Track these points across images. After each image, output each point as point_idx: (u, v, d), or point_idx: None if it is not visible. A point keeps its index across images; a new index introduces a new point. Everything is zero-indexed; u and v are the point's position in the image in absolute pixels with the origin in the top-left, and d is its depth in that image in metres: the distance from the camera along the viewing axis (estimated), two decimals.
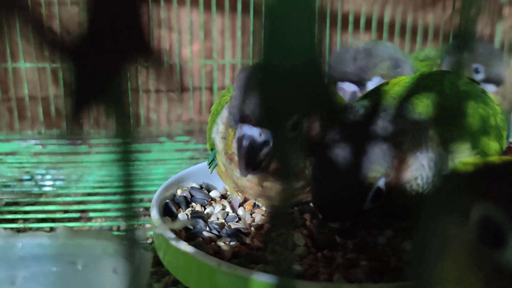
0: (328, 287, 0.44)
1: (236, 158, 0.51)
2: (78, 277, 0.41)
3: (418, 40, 1.40)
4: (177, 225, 0.47)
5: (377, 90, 0.58)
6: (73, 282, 0.41)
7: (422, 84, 0.55)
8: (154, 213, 0.54)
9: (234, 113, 0.50)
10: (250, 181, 0.55)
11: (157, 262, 0.70)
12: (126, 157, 0.16)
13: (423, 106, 0.51)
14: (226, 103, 0.59)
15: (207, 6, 1.28)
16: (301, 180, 0.54)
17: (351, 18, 1.35)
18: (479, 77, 1.06)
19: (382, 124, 0.48)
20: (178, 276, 0.51)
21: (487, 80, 1.05)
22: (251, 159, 0.49)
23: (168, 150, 1.19)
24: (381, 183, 0.46)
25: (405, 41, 1.40)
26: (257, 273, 0.42)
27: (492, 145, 0.53)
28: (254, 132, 0.48)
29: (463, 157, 0.51)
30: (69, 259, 0.41)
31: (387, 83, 0.58)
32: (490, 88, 1.05)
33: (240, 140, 0.49)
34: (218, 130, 0.59)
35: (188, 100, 1.37)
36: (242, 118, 0.49)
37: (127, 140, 0.16)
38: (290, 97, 0.48)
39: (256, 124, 0.48)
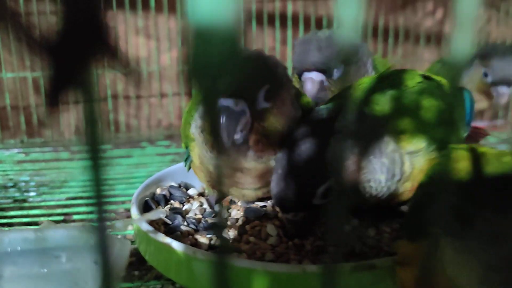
0: (287, 267, 0.46)
1: None
2: (62, 270, 0.43)
3: (390, 42, 1.46)
4: (153, 216, 0.50)
5: (342, 93, 0.62)
6: (58, 274, 0.43)
7: (381, 84, 0.58)
8: (134, 210, 0.57)
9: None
10: (231, 165, 0.57)
11: (140, 258, 0.73)
12: (95, 163, 0.18)
13: (381, 106, 0.55)
14: (197, 106, 0.63)
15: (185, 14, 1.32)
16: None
17: (324, 22, 1.39)
18: (488, 80, 1.10)
19: (340, 127, 0.51)
20: (159, 268, 0.54)
21: (497, 82, 1.08)
22: (230, 126, 0.52)
23: (149, 154, 1.21)
24: (332, 182, 0.50)
25: (377, 43, 1.45)
26: (231, 258, 0.46)
27: (449, 136, 0.57)
28: (229, 103, 0.52)
29: (421, 151, 0.54)
30: (54, 253, 0.44)
31: (351, 86, 0.62)
32: (502, 90, 1.08)
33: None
34: (197, 125, 0.62)
35: (168, 105, 1.40)
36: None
37: (97, 145, 0.18)
38: (258, 72, 0.52)
39: (230, 96, 0.51)
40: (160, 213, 0.50)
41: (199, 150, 0.62)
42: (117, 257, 0.38)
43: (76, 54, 0.15)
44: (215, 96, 0.17)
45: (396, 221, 0.58)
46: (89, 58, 0.14)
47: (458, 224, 0.32)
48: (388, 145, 0.53)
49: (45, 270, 0.42)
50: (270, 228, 0.58)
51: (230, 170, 0.59)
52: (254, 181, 0.60)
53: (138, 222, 0.51)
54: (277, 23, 1.36)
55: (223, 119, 0.51)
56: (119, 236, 0.49)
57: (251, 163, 0.57)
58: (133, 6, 1.31)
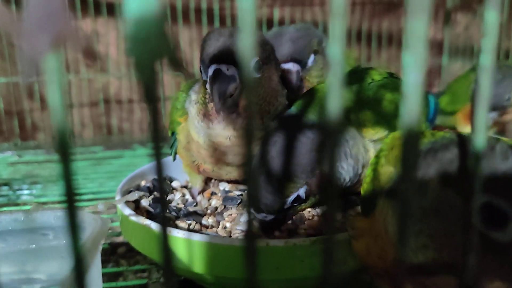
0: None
1: (210, 107, 0.59)
2: (50, 246, 0.47)
3: (374, 46, 1.51)
4: (131, 197, 0.54)
5: (310, 92, 0.65)
6: (46, 250, 0.47)
7: (349, 79, 0.63)
8: (118, 198, 0.61)
9: (203, 59, 0.57)
10: (219, 135, 0.61)
11: (128, 249, 0.77)
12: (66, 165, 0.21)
13: (344, 100, 0.60)
14: (190, 86, 0.67)
15: (174, 19, 1.36)
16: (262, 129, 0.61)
17: None
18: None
19: (307, 132, 0.54)
20: (142, 250, 0.58)
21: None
22: (221, 88, 0.55)
23: (140, 155, 1.25)
24: (301, 191, 0.54)
25: (361, 47, 1.50)
26: (196, 235, 0.50)
27: None
28: (222, 67, 0.55)
29: (383, 139, 0.59)
30: (42, 231, 0.48)
31: (317, 86, 0.65)
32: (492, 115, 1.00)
33: (211, 77, 0.56)
34: (191, 100, 0.65)
35: (160, 109, 1.44)
36: (210, 61, 0.56)
37: (66, 148, 0.20)
38: (248, 43, 0.56)
39: (222, 62, 0.55)
40: (136, 194, 0.54)
41: (189, 125, 0.65)
42: (98, 232, 0.42)
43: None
44: (154, 83, 0.20)
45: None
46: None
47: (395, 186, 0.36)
48: (352, 134, 0.57)
49: (33, 246, 0.46)
50: (244, 217, 0.62)
51: (218, 138, 0.62)
52: (239, 155, 0.63)
53: (118, 203, 0.55)
54: (264, 29, 1.40)
55: (215, 81, 0.55)
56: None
57: (239, 130, 0.60)
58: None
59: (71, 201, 0.22)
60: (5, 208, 0.88)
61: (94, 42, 1.37)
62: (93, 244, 0.40)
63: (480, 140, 0.26)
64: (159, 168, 0.22)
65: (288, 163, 0.53)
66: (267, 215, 0.55)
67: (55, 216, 0.48)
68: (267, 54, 0.61)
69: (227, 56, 0.55)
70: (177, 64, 0.20)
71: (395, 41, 1.53)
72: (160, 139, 0.23)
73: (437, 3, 1.47)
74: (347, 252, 0.49)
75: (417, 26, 0.22)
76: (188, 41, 1.41)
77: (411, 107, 0.23)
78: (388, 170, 0.41)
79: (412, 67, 0.22)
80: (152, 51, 0.19)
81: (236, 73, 0.55)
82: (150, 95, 0.22)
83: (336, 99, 0.22)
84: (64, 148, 0.22)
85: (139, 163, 1.15)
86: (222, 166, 0.66)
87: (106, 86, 1.43)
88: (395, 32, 1.53)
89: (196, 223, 0.61)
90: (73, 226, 0.23)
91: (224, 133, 0.60)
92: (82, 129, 1.44)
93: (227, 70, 0.55)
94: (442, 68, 1.49)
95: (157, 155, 0.23)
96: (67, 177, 0.23)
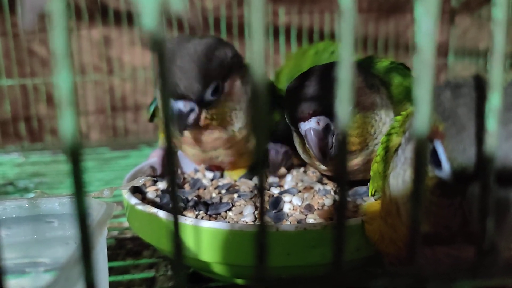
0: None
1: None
2: (54, 232, 0.46)
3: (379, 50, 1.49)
4: (136, 183, 0.53)
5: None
6: (50, 237, 0.46)
7: (359, 63, 0.62)
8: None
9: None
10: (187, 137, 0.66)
11: (135, 246, 0.76)
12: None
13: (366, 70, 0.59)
14: None
15: (180, 27, 1.36)
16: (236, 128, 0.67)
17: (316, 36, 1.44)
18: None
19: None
20: (150, 240, 0.57)
21: None
22: (181, 124, 0.61)
23: (146, 155, 1.24)
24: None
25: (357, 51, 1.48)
26: (205, 221, 0.49)
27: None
28: (180, 105, 0.60)
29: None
30: (46, 218, 0.47)
31: None
32: None
33: (174, 115, 0.61)
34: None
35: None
36: (173, 97, 0.60)
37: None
38: (206, 70, 0.59)
39: (181, 97, 0.60)
40: (142, 179, 0.53)
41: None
42: (103, 215, 0.41)
43: None
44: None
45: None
46: None
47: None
48: (385, 97, 0.57)
49: (38, 232, 0.45)
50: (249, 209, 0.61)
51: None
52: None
53: (124, 188, 0.54)
54: (282, 38, 1.39)
55: (175, 118, 0.60)
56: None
57: (206, 135, 0.66)
58: (130, 21, 1.36)
59: (79, 187, 0.22)
60: None
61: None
62: (98, 225, 0.39)
63: (496, 98, 0.24)
64: (170, 156, 0.21)
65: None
66: (185, 103, 0.59)
67: (60, 203, 0.47)
68: (228, 71, 0.64)
69: (184, 91, 0.59)
70: None
71: (402, 44, 1.51)
72: (170, 130, 0.22)
73: (442, 2, 1.46)
74: (360, 239, 0.48)
75: None
76: None
77: (424, 55, 0.22)
78: (397, 141, 0.40)
79: (424, 16, 0.22)
80: None
81: (195, 105, 0.61)
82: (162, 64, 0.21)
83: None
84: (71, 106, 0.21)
85: None
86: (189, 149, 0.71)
87: (112, 88, 1.43)
88: (402, 35, 1.52)
89: (205, 213, 0.60)
90: (81, 210, 0.22)
91: (194, 150, 0.69)
92: (89, 131, 1.44)
93: (185, 107, 0.60)
94: (448, 68, 1.48)
95: (169, 140, 0.22)
96: (75, 157, 0.22)
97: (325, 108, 0.51)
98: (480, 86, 0.31)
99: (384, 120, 0.56)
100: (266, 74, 0.21)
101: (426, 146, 0.23)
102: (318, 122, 0.52)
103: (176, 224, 0.23)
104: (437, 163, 0.32)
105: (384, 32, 1.50)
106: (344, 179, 0.22)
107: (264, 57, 0.20)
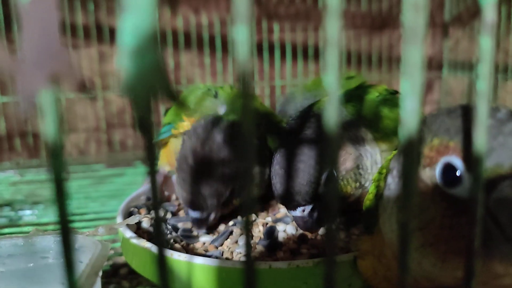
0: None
1: None
2: (49, 269, 0.47)
3: (373, 67, 1.50)
4: (131, 221, 0.54)
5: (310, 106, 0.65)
6: (45, 274, 0.47)
7: (349, 95, 0.63)
8: (119, 219, 0.61)
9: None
10: None
11: (131, 270, 0.76)
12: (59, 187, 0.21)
13: (351, 110, 0.60)
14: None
15: (175, 44, 1.37)
16: None
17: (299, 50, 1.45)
18: None
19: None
20: (144, 273, 0.57)
21: None
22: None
23: (141, 173, 1.25)
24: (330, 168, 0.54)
25: (350, 66, 1.49)
26: (198, 258, 0.50)
27: None
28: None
29: (389, 150, 0.59)
30: (41, 255, 0.47)
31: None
32: None
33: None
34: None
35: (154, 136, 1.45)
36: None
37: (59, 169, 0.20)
38: (217, 182, 0.61)
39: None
40: (137, 217, 0.54)
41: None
42: (98, 257, 0.41)
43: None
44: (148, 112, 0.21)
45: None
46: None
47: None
48: (370, 140, 0.58)
49: (33, 270, 0.46)
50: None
51: None
52: None
53: (119, 227, 0.54)
54: (277, 53, 1.40)
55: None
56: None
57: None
58: None
59: (65, 225, 0.22)
60: (6, 230, 0.88)
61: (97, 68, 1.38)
62: (93, 269, 0.39)
63: (479, 169, 0.25)
64: (155, 202, 0.22)
65: (312, 148, 0.58)
66: (305, 208, 0.58)
67: (55, 241, 0.48)
68: (242, 176, 0.63)
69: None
70: (172, 97, 0.20)
71: (394, 58, 1.52)
72: (154, 167, 0.23)
73: (434, 15, 1.48)
74: (351, 273, 0.49)
75: (413, 53, 0.22)
76: (189, 63, 1.41)
77: (408, 132, 0.23)
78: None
79: (409, 93, 0.22)
80: (148, 87, 0.19)
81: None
82: (145, 126, 0.22)
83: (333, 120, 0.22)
84: (58, 180, 0.22)
85: (141, 181, 1.15)
86: None
87: (108, 103, 1.43)
88: (395, 46, 1.53)
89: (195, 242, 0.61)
90: (68, 255, 0.23)
91: None
92: (85, 145, 1.45)
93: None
94: (442, 81, 1.49)
95: (153, 181, 0.23)
96: (61, 205, 0.22)
97: (309, 199, 0.57)
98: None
99: (371, 163, 0.58)
100: (254, 102, 0.21)
101: (414, 182, 0.23)
102: (303, 210, 0.58)
103: (161, 258, 0.24)
104: (452, 180, 0.32)
105: (377, 46, 1.51)
106: (334, 212, 0.23)
107: (253, 78, 0.21)
